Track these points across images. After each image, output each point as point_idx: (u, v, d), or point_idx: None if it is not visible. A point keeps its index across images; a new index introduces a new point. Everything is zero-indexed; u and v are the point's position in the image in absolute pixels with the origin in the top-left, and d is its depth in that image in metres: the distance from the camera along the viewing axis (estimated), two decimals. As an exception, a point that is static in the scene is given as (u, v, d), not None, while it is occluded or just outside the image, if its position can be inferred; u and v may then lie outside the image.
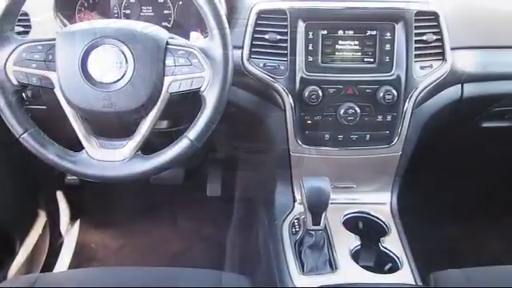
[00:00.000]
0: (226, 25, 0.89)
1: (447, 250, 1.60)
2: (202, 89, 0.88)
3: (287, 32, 1.06)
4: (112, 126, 1.03)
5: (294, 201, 1.22)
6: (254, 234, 1.43)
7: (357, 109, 1.08)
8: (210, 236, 1.76)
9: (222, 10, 0.90)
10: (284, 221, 1.17)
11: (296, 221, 1.17)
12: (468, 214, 1.73)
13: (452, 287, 0.98)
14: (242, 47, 1.07)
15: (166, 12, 1.20)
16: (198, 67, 0.87)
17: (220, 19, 0.88)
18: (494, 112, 1.26)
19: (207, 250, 1.71)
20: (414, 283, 1.02)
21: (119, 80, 0.86)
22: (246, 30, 1.07)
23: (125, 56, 0.86)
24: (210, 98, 0.88)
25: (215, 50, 0.88)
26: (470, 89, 1.17)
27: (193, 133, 0.89)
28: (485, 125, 1.31)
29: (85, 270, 1.21)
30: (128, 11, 1.20)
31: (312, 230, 1.05)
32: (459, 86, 1.17)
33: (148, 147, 0.91)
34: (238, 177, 1.68)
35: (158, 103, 0.88)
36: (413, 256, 1.09)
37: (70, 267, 1.66)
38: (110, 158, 0.89)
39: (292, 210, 1.20)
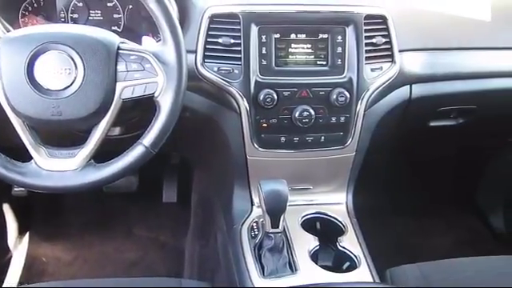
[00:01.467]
0: (179, 29, 0.88)
1: (402, 246, 1.65)
2: (155, 94, 0.86)
3: (240, 36, 1.06)
4: (62, 135, 0.99)
5: (252, 204, 1.22)
6: (212, 239, 1.42)
7: (311, 111, 1.09)
8: (167, 243, 1.73)
9: (174, 13, 0.89)
10: (243, 225, 1.17)
11: (255, 224, 1.17)
12: (419, 210, 1.80)
13: (407, 283, 1.00)
14: (195, 51, 1.06)
15: (115, 16, 1.17)
16: (152, 72, 0.86)
17: (172, 23, 0.87)
18: (440, 111, 1.31)
19: (165, 257, 1.68)
20: (371, 280, 1.04)
21: (68, 87, 0.83)
22: (199, 34, 1.06)
23: (74, 62, 0.83)
24: (165, 103, 0.86)
25: (168, 55, 0.87)
26: (418, 89, 1.21)
27: (148, 139, 0.87)
28: (432, 124, 1.36)
29: (36, 286, 1.16)
30: (75, 15, 1.16)
31: (271, 233, 1.05)
32: (408, 86, 1.21)
33: (101, 155, 0.88)
34: (194, 182, 1.66)
35: (111, 110, 0.85)
36: (369, 254, 1.11)
37: (20, 283, 1.58)
38: (60, 168, 0.86)
39: (250, 213, 1.20)
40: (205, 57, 1.07)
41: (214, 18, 1.06)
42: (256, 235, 1.13)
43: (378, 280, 1.05)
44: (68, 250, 1.72)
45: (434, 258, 1.10)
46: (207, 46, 1.07)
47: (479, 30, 1.27)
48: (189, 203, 1.65)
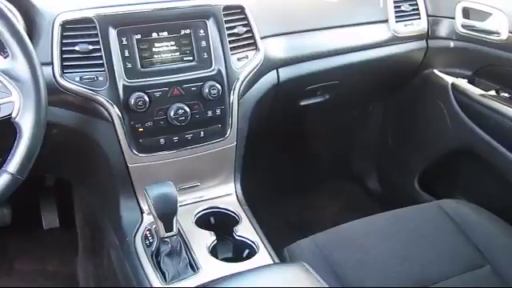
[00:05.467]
0: (28, 41, 0.81)
1: (295, 223, 1.72)
2: (13, 115, 0.79)
3: (99, 41, 1.01)
4: None
5: (142, 212, 1.17)
6: (106, 257, 1.34)
7: (186, 108, 1.08)
8: (57, 272, 1.61)
9: (20, 25, 0.81)
10: (135, 235, 1.12)
11: (148, 232, 1.13)
12: (304, 186, 1.89)
13: (305, 257, 1.05)
14: (51, 63, 0.99)
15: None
16: (4, 92, 0.78)
17: (19, 36, 0.80)
18: (308, 90, 1.39)
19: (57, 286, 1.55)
20: (272, 262, 1.07)
21: None
22: (52, 44, 0.99)
23: None
24: (25, 123, 0.79)
25: (20, 70, 0.79)
26: (285, 72, 1.27)
27: (12, 165, 0.79)
28: (303, 103, 1.44)
29: None
30: None
31: (166, 238, 1.03)
32: (275, 71, 1.25)
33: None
34: (76, 201, 1.56)
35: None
36: (266, 237, 1.14)
37: None
38: None
39: (141, 222, 1.16)
40: (63, 67, 1.00)
41: (66, 25, 0.99)
42: (151, 243, 1.10)
43: (277, 260, 1.08)
44: None
45: (325, 228, 1.16)
46: (64, 56, 1.00)
47: (333, 10, 1.36)
48: (73, 225, 1.55)
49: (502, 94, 1.36)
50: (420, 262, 1.05)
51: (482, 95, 1.36)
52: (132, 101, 1.03)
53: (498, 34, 1.27)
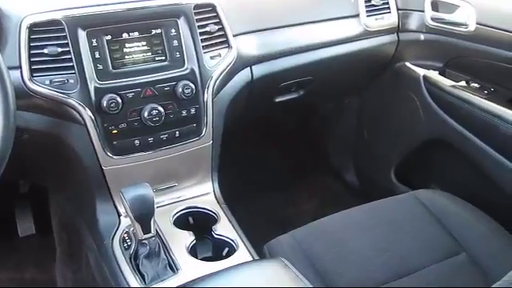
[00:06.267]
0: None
1: (274, 220, 1.72)
2: (-21, 121, 0.77)
3: (68, 43, 0.99)
4: None
5: (119, 215, 1.16)
6: (84, 262, 1.33)
7: (160, 108, 1.07)
8: (35, 279, 1.58)
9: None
10: (113, 238, 1.11)
11: (126, 235, 1.12)
12: (283, 182, 1.90)
13: (284, 253, 1.05)
14: (19, 67, 0.97)
15: None
16: (-30, 97, 0.76)
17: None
18: (282, 87, 1.39)
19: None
20: (251, 259, 1.07)
21: None
22: (20, 48, 0.97)
23: None
24: (-6, 129, 0.77)
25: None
26: (258, 70, 1.27)
27: (-18, 171, 0.77)
28: (278, 100, 1.44)
29: None
30: None
31: (144, 240, 1.02)
32: (249, 68, 1.25)
33: None
34: (52, 207, 1.54)
35: None
36: (245, 235, 1.14)
37: None
38: None
39: (119, 225, 1.15)
40: (32, 71, 0.98)
41: (33, 28, 0.98)
42: (129, 245, 1.09)
43: (257, 257, 1.08)
44: None
45: (304, 223, 1.17)
46: (32, 59, 0.98)
47: (305, 6, 1.36)
48: (50, 231, 1.52)
49: (472, 84, 1.39)
50: (398, 252, 1.07)
51: (453, 86, 1.38)
52: (104, 103, 1.02)
53: (466, 25, 1.30)
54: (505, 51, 1.23)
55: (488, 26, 1.25)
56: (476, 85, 1.38)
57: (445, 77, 1.44)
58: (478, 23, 1.27)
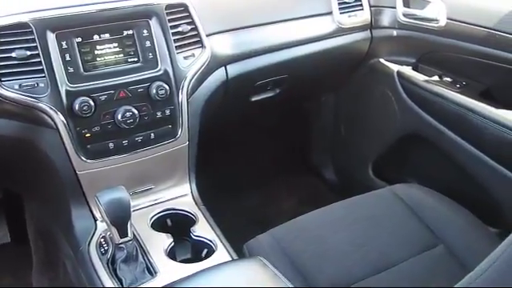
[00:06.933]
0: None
1: (253, 219, 1.72)
2: None
3: (37, 46, 0.97)
4: None
5: (95, 220, 1.14)
6: (61, 269, 1.30)
7: (134, 110, 1.06)
8: (12, 288, 1.55)
9: None
10: (89, 244, 1.09)
11: (102, 239, 1.10)
12: (261, 181, 1.90)
13: (264, 252, 1.05)
14: (-14, 71, 0.95)
15: None
16: None
17: None
18: (257, 86, 1.39)
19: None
20: (230, 259, 1.07)
21: None
22: (-14, 51, 0.95)
23: None
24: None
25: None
26: (233, 69, 1.27)
27: None
28: (254, 99, 1.44)
29: None
30: None
31: (121, 244, 1.01)
32: (223, 68, 1.25)
33: None
34: (27, 214, 1.50)
35: None
36: (224, 235, 1.14)
37: None
38: None
39: (95, 230, 1.13)
40: (0, 75, 0.96)
41: (0, 31, 0.95)
42: (106, 250, 1.07)
43: (236, 257, 1.08)
44: None
45: (283, 222, 1.17)
46: (0, 63, 0.96)
47: (278, 4, 1.37)
48: (26, 239, 1.49)
49: (445, 78, 1.41)
50: (376, 247, 1.07)
51: (426, 81, 1.40)
52: (76, 106, 1.00)
53: (437, 21, 1.31)
54: (475, 45, 1.25)
55: (458, 21, 1.27)
56: (448, 79, 1.40)
57: (418, 72, 1.46)
58: (448, 18, 1.29)
